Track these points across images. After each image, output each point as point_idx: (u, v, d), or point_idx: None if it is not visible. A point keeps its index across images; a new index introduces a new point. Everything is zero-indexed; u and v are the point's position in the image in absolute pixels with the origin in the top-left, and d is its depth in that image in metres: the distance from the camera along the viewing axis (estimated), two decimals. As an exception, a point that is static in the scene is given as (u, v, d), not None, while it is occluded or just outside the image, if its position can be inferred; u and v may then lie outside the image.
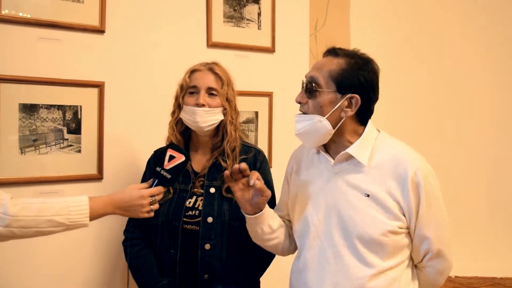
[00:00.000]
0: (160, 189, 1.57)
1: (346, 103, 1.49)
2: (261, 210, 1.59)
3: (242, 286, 1.85)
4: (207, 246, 1.78)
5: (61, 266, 2.08)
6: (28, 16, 1.98)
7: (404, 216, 1.48)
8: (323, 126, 1.49)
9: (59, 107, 2.05)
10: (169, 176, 1.58)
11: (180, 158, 1.59)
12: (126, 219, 1.93)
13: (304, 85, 1.54)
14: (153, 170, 1.60)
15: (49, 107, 2.02)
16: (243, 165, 1.53)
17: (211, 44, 2.43)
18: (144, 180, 1.89)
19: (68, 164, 2.07)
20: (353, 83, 1.48)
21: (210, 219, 1.79)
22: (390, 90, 3.05)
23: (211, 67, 1.86)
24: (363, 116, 1.54)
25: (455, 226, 2.96)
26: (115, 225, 2.11)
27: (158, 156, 1.64)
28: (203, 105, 1.79)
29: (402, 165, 1.47)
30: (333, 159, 1.55)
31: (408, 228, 1.50)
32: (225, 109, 1.85)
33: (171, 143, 1.71)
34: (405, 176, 1.46)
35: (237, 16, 2.52)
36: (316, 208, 1.56)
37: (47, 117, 2.02)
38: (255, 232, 1.64)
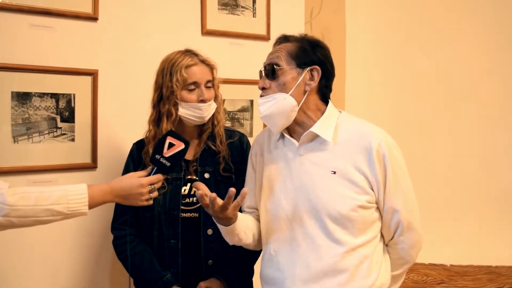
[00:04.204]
0: (159, 177, 1.55)
1: (308, 76, 1.53)
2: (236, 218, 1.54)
3: (241, 271, 1.84)
4: (210, 231, 1.78)
5: (56, 261, 2.06)
6: (20, 3, 1.92)
7: (372, 190, 1.50)
8: (288, 103, 1.51)
9: (52, 95, 2.01)
10: (168, 164, 1.56)
11: (180, 146, 1.57)
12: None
13: (264, 71, 1.57)
14: (152, 157, 1.58)
15: (42, 95, 1.99)
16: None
17: (206, 32, 2.40)
18: (126, 172, 1.85)
19: (61, 153, 2.04)
20: (312, 57, 1.54)
21: None
22: (387, 78, 3.06)
23: (203, 59, 1.83)
24: (324, 92, 1.57)
25: (451, 215, 3.01)
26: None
27: (156, 144, 1.62)
28: (207, 100, 1.79)
29: (366, 138, 1.51)
30: (298, 142, 1.56)
31: (377, 202, 1.52)
32: (217, 96, 1.86)
33: (170, 131, 1.68)
34: (370, 148, 1.49)
35: (232, 4, 2.49)
36: (284, 192, 1.56)
37: (40, 106, 1.99)
38: (232, 239, 1.60)
